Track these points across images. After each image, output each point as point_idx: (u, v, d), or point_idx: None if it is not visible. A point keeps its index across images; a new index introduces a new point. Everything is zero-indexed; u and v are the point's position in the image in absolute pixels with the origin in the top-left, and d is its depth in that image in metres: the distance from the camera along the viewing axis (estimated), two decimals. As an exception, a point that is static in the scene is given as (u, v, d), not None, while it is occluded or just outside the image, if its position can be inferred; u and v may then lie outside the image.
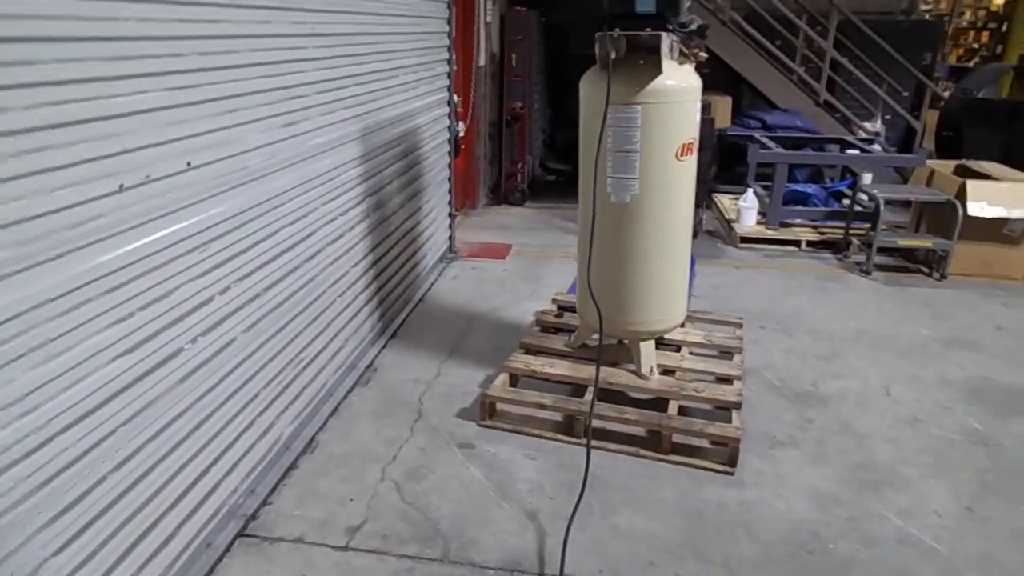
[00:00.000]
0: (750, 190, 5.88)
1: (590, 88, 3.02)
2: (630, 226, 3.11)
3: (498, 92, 7.00)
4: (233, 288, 2.38)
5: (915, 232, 5.62)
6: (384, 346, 3.98)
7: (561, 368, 3.41)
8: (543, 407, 3.14)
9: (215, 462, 2.37)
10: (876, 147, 6.24)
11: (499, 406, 3.26)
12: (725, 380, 3.38)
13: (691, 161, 3.10)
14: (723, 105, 7.05)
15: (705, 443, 3.02)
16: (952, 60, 16.34)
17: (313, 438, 3.08)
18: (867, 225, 5.44)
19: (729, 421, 3.02)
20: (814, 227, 5.86)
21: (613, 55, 2.81)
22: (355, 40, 3.24)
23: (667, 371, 3.41)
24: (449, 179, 5.32)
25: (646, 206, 3.06)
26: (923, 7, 13.33)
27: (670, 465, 2.95)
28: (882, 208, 5.02)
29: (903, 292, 4.87)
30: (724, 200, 6.56)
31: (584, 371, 3.39)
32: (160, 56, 1.92)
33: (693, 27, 2.96)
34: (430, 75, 4.56)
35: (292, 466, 2.88)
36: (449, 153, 5.24)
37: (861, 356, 3.92)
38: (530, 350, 3.59)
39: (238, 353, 2.45)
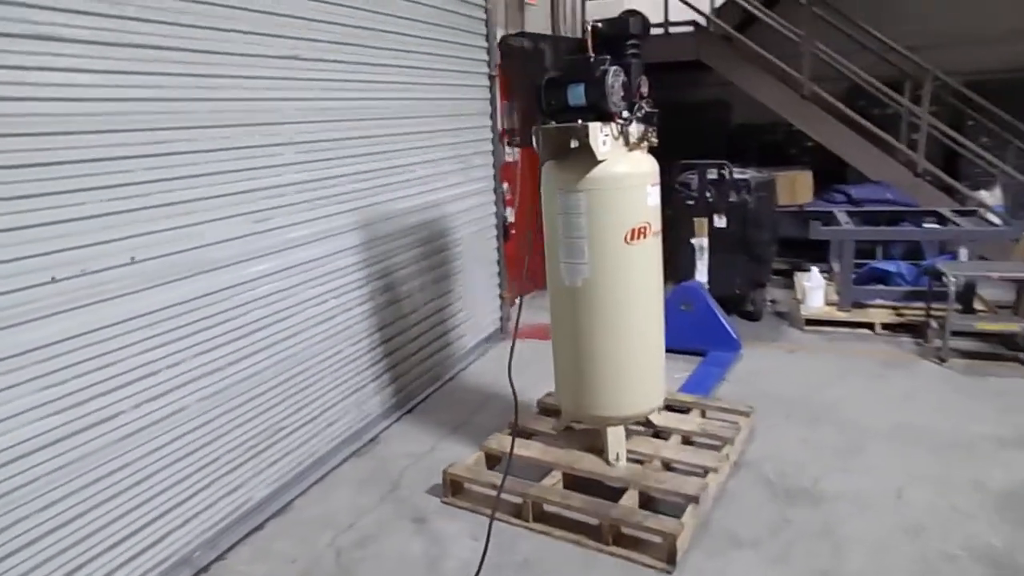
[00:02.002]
0: (814, 268, 5.53)
1: (544, 176, 3.16)
2: (583, 309, 3.15)
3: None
4: (187, 362, 2.77)
5: (1015, 315, 4.94)
6: (396, 420, 4.21)
7: (533, 451, 3.44)
8: (495, 487, 3.18)
9: (163, 515, 2.70)
10: (975, 219, 5.63)
11: (465, 484, 3.34)
12: (703, 471, 3.21)
13: (647, 245, 3.10)
14: (802, 180, 6.74)
15: (655, 537, 2.88)
16: None
17: (290, 502, 3.34)
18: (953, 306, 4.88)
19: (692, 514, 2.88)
20: (894, 308, 5.35)
21: (540, 144, 2.97)
22: (348, 144, 3.65)
23: (641, 459, 3.31)
24: (498, 263, 5.58)
25: (598, 290, 3.10)
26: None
27: (611, 557, 2.85)
28: (953, 286, 4.51)
29: (979, 383, 4.28)
30: (802, 280, 6.18)
31: (554, 454, 3.40)
32: (106, 173, 2.40)
33: (638, 114, 3.03)
34: (465, 167, 4.91)
35: (259, 526, 3.16)
36: (497, 238, 5.52)
37: (886, 452, 3.51)
38: (517, 431, 3.65)
39: (192, 419, 2.80)
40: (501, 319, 5.71)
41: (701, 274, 5.22)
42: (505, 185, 5.62)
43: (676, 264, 5.42)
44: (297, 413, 3.43)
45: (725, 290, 5.61)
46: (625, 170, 3.01)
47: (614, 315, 3.12)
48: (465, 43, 4.71)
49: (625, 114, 2.97)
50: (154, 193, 2.59)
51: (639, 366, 3.25)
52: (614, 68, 2.87)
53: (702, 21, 6.93)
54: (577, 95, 2.91)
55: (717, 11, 7.38)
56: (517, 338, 3.16)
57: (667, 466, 3.31)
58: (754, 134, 8.70)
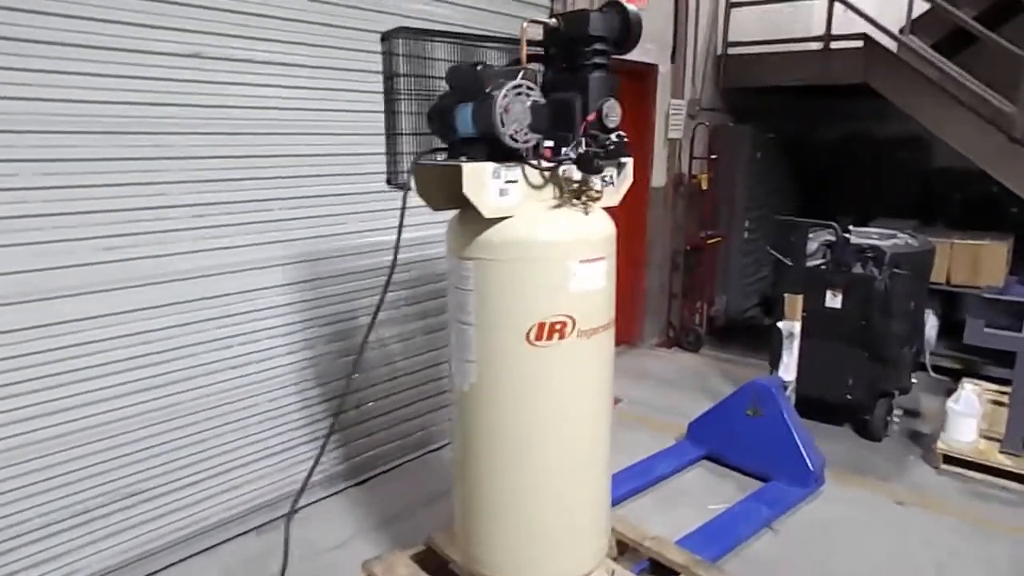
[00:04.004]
0: (967, 387, 3.87)
1: (446, 233, 2.28)
2: (468, 425, 2.23)
3: (698, 217, 6.04)
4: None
5: None
6: (339, 491, 3.54)
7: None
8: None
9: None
10: None
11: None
12: None
13: (572, 349, 2.09)
14: (991, 253, 4.87)
15: None
16: None
17: (133, 581, 2.82)
18: None
19: None
20: (1093, 465, 3.56)
21: (411, 188, 2.09)
22: (271, 163, 3.04)
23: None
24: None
25: (484, 404, 2.16)
26: None
27: None
28: None
29: None
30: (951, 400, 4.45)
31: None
32: None
33: (571, 153, 2.03)
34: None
35: (79, 606, 2.66)
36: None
37: None
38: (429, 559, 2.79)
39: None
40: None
41: (786, 369, 3.86)
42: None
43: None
44: (174, 473, 2.90)
45: (831, 394, 4.17)
46: (534, 235, 2.03)
47: (505, 444, 2.16)
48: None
49: (566, 151, 2.00)
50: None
51: (549, 519, 2.23)
52: (512, 85, 1.92)
53: (875, 34, 5.34)
54: (464, 121, 2.00)
55: (913, 24, 5.69)
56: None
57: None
58: (960, 184, 6.69)
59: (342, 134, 3.24)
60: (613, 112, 2.17)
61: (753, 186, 6.09)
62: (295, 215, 3.13)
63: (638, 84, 5.42)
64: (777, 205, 6.56)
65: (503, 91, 1.88)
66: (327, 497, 3.50)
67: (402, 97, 2.12)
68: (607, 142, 2.13)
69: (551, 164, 2.05)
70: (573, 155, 2.04)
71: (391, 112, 2.12)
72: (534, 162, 2.02)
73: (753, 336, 5.83)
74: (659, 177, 5.73)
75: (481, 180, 1.94)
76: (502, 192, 1.99)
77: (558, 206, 2.09)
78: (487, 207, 1.97)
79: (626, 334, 5.89)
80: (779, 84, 5.96)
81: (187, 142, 2.73)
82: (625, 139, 2.22)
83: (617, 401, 4.76)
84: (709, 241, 5.90)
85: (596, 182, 2.09)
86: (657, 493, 3.59)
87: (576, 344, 2.09)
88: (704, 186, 5.84)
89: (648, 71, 5.39)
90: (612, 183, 2.30)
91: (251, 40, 2.86)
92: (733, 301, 6.16)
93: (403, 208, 2.02)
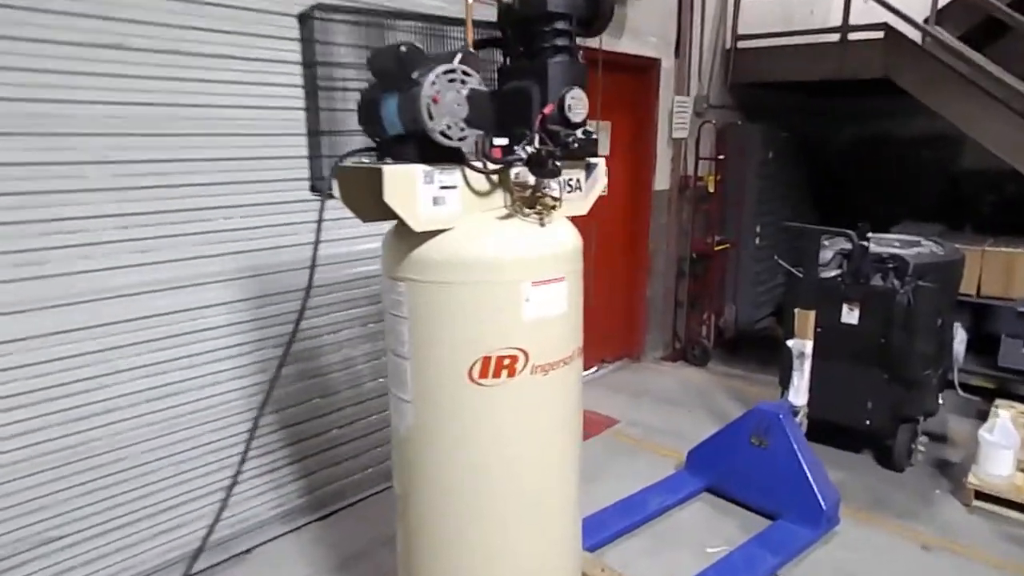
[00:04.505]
0: (1002, 413, 3.45)
1: (381, 248, 1.94)
2: (406, 476, 1.88)
3: (705, 222, 5.65)
4: None
5: None
6: (301, 526, 3.22)
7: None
8: None
9: None
10: None
11: None
12: None
13: (517, 386, 1.74)
14: (1026, 264, 4.42)
15: None
16: None
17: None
18: None
19: None
20: None
21: (335, 196, 1.75)
22: (211, 167, 2.72)
23: None
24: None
25: (423, 449, 1.81)
26: None
27: None
28: None
29: None
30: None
31: None
32: None
33: (522, 153, 1.68)
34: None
35: (-17, 670, 2.36)
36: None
37: None
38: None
39: None
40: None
41: (797, 393, 3.46)
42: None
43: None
44: (96, 516, 2.58)
45: (848, 419, 3.77)
46: (477, 252, 1.68)
47: (448, 497, 1.81)
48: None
49: (517, 151, 1.65)
50: None
51: (509, 566, 1.88)
52: (443, 70, 1.57)
53: (898, 24, 4.91)
54: (391, 115, 1.66)
55: (938, 14, 5.24)
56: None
57: None
58: (992, 185, 6.24)
59: (282, 134, 2.89)
60: (578, 104, 1.82)
61: (765, 188, 5.69)
62: (239, 225, 2.81)
63: (638, 80, 5.05)
64: (790, 209, 6.15)
65: (431, 77, 1.54)
66: (285, 534, 3.18)
67: (323, 90, 1.78)
68: (569, 139, 1.78)
69: (497, 166, 1.69)
70: (524, 155, 1.68)
71: (313, 109, 1.79)
72: (477, 163, 1.67)
73: (765, 349, 5.41)
74: (663, 179, 5.35)
75: (408, 186, 1.60)
76: (437, 200, 1.65)
77: (508, 216, 1.74)
78: (416, 219, 1.62)
79: (627, 347, 5.53)
80: (793, 80, 5.54)
81: (106, 144, 2.41)
82: (594, 136, 1.86)
83: (613, 423, 4.40)
84: (717, 247, 5.51)
85: (553, 187, 1.74)
86: (650, 532, 3.22)
87: (530, 382, 1.74)
88: (711, 189, 5.46)
89: (649, 66, 5.02)
90: (579, 188, 1.94)
91: (180, 29, 2.53)
92: (743, 311, 5.76)
93: (319, 220, 1.68)
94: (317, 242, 1.69)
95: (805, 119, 6.38)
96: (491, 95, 1.73)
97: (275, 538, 3.13)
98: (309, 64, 1.75)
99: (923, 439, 3.79)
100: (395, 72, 1.58)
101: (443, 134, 1.57)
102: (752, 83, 5.70)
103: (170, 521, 2.80)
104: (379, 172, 1.57)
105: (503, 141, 1.79)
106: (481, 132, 1.63)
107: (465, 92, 1.59)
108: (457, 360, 1.70)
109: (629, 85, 5.01)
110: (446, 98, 1.56)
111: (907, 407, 3.66)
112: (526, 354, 1.72)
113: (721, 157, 5.46)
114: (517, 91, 1.84)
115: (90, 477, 2.54)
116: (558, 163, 1.68)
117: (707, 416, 4.48)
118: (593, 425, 4.34)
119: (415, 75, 1.55)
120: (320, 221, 1.67)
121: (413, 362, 1.76)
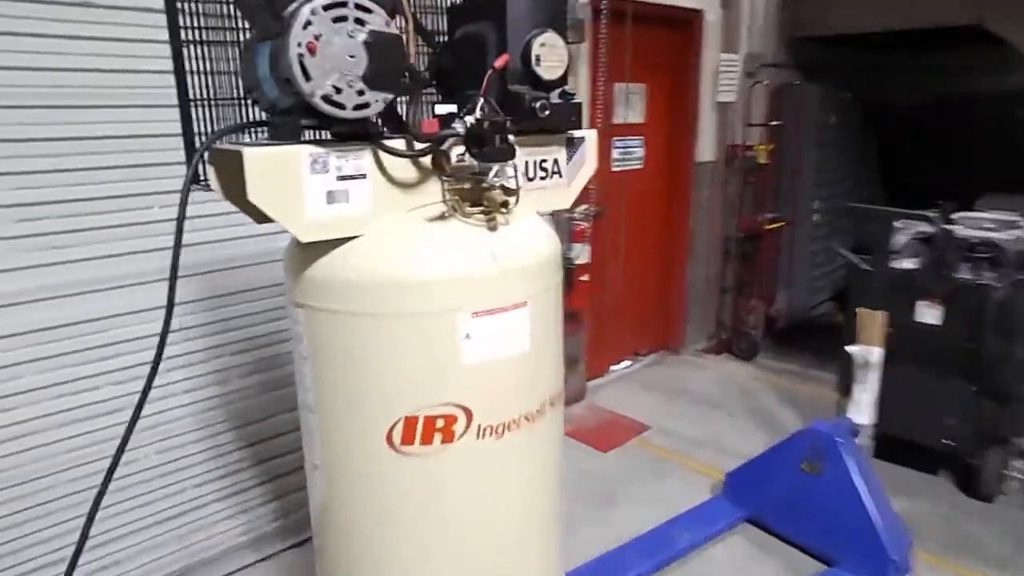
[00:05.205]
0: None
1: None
2: (325, 562, 1.41)
3: (755, 197, 4.99)
4: None
5: None
6: (273, 555, 2.83)
7: None
8: None
9: None
10: None
11: None
12: None
13: (457, 455, 1.24)
14: None
15: None
16: None
17: None
18: None
19: None
20: None
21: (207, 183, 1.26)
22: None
23: None
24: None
25: (340, 534, 1.34)
26: None
27: None
28: None
29: None
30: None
31: None
32: None
33: (458, 127, 1.15)
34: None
35: None
36: (554, 285, 3.75)
37: None
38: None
39: None
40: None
41: (859, 409, 2.86)
42: (582, 208, 3.80)
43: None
44: (36, 547, 2.23)
45: (923, 436, 3.16)
46: (388, 270, 1.18)
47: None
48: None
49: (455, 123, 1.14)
50: None
51: None
52: (323, 3, 1.05)
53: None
54: (266, 73, 1.15)
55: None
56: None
57: None
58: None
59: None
60: (552, 53, 1.28)
61: (825, 159, 4.97)
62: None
63: (677, 35, 4.40)
64: (854, 181, 5.40)
65: (304, 15, 1.02)
66: (257, 563, 2.79)
67: (197, 43, 1.29)
68: (537, 104, 1.25)
69: (423, 145, 1.18)
70: (461, 128, 1.16)
71: (179, 70, 1.29)
72: (396, 142, 1.15)
73: (822, 340, 4.75)
74: (706, 150, 4.71)
75: (286, 177, 1.10)
76: (333, 196, 1.14)
77: (441, 217, 1.22)
78: (301, 224, 1.13)
79: (663, 338, 4.96)
80: (861, 31, 4.77)
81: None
82: (573, 98, 1.33)
83: (641, 429, 3.87)
84: (769, 226, 4.84)
85: (507, 173, 1.21)
86: (679, 574, 2.71)
87: (476, 450, 1.24)
88: (764, 159, 4.77)
89: (691, 19, 4.36)
90: (557, 172, 1.41)
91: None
92: (798, 298, 5.09)
93: (180, 217, 1.18)
94: (178, 244, 1.20)
95: (873, 78, 5.56)
96: (433, 45, 1.21)
97: (246, 567, 2.76)
98: (170, 3, 1.25)
99: (1019, 464, 3.13)
100: (262, 6, 1.07)
101: (327, 100, 1.06)
102: (813, 37, 4.95)
103: (111, 556, 2.43)
104: (239, 157, 1.07)
105: (447, 108, 1.27)
106: (389, 96, 1.12)
107: (362, 36, 1.07)
108: (371, 421, 1.22)
109: (666, 41, 4.36)
110: (330, 46, 1.04)
111: (1000, 425, 3.02)
112: (468, 412, 1.22)
113: (776, 123, 4.77)
114: (467, 39, 1.31)
115: (12, 509, 2.17)
116: (508, 139, 1.15)
117: (752, 423, 3.91)
118: (618, 432, 3.83)
119: (288, 13, 1.04)
120: (181, 219, 1.18)
121: (319, 417, 1.29)
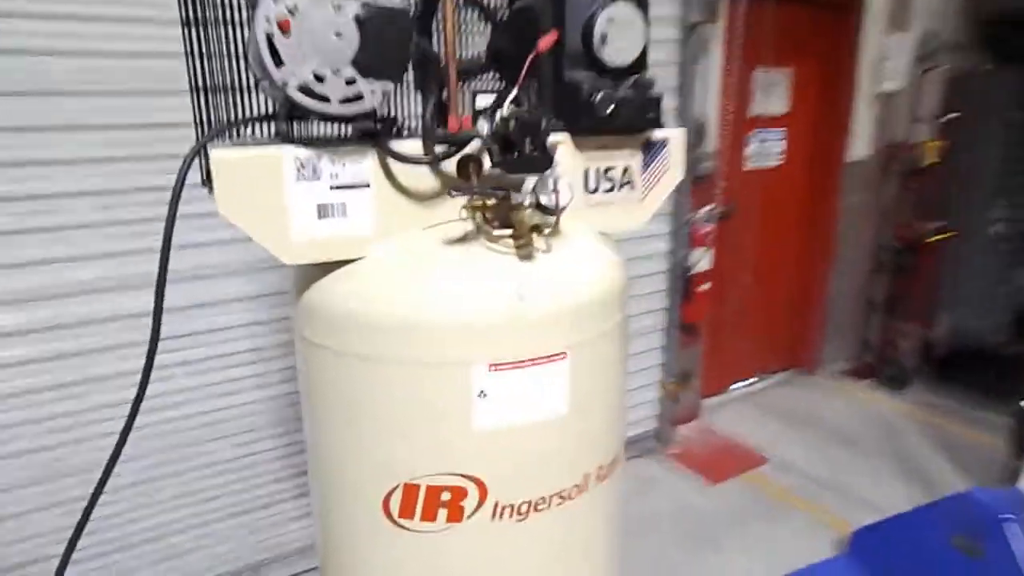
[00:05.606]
0: None
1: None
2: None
3: (917, 202, 4.31)
4: None
5: None
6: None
7: None
8: None
9: None
10: None
11: None
12: None
13: (465, 536, 0.99)
14: None
15: None
16: None
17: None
18: None
19: None
20: None
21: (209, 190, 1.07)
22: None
23: None
24: (665, 333, 3.47)
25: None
26: None
27: None
28: None
29: None
30: None
31: None
32: None
33: (483, 126, 0.90)
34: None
35: None
36: (668, 293, 3.42)
37: None
38: None
39: None
40: (660, 422, 3.59)
41: (1035, 479, 2.30)
42: (706, 209, 3.41)
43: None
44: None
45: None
46: (387, 307, 0.94)
47: None
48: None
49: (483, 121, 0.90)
50: None
51: None
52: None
53: None
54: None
55: None
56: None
57: None
58: None
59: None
60: (622, 32, 0.99)
61: (1012, 159, 4.17)
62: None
63: (831, 12, 3.82)
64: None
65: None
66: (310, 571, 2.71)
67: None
68: (598, 98, 0.96)
69: (442, 149, 0.92)
70: (485, 128, 0.89)
71: (192, 52, 1.12)
72: (405, 145, 0.91)
73: (992, 374, 4.01)
74: (861, 147, 4.09)
75: (265, 186, 0.89)
76: (326, 211, 0.92)
77: (463, 240, 0.97)
78: (284, 243, 0.92)
79: (796, 355, 4.41)
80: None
81: None
82: (652, 92, 1.02)
83: (758, 462, 3.42)
84: (933, 237, 4.15)
85: (548, 187, 0.93)
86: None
87: (491, 532, 0.98)
88: (931, 159, 4.08)
89: (848, -6, 3.78)
90: (628, 183, 1.11)
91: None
92: (965, 321, 4.34)
93: (170, 223, 1.01)
94: (166, 255, 1.03)
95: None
96: (493, 22, 0.95)
97: (311, 569, 2.69)
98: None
99: None
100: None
101: (306, 91, 0.83)
102: (1008, 15, 4.14)
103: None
104: (207, 161, 0.88)
105: (487, 100, 1.02)
106: (388, 85, 0.87)
107: (352, 10, 0.83)
108: (367, 483, 1.00)
109: (817, 19, 3.80)
110: (309, 23, 0.82)
111: None
112: (481, 486, 0.96)
113: (952, 116, 4.05)
114: (520, 14, 1.05)
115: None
116: (546, 144, 0.87)
117: (892, 468, 3.34)
118: (730, 463, 3.41)
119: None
120: (171, 222, 1.01)
121: (313, 464, 1.09)
